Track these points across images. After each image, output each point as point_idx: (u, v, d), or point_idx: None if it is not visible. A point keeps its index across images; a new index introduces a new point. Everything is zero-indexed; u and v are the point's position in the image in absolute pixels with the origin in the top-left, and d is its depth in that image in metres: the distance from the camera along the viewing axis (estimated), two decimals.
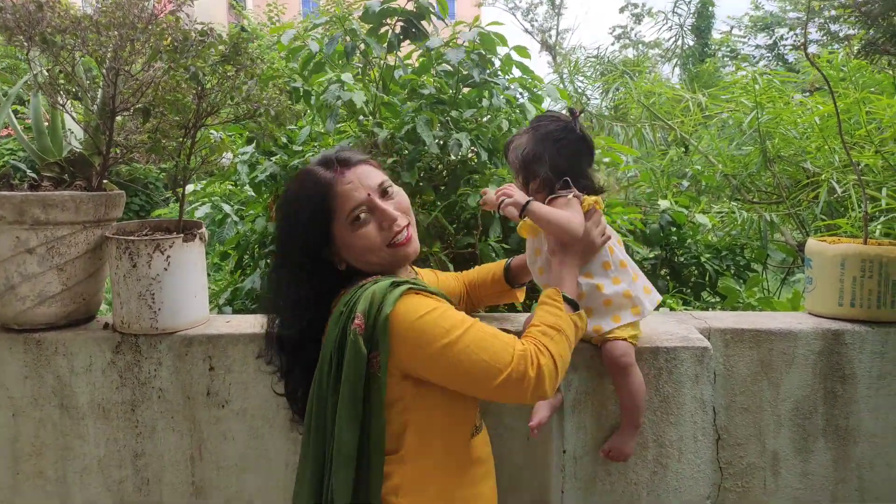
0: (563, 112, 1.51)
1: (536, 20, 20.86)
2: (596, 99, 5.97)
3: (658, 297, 1.48)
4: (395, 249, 1.32)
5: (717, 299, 2.80)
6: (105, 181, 1.76)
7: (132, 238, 1.52)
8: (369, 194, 1.30)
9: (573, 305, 1.32)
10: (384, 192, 1.34)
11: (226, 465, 1.57)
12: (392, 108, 2.41)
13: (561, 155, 1.43)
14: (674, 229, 2.81)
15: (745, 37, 15.76)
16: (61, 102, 1.75)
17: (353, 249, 1.30)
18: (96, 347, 1.55)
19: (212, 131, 2.01)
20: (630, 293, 1.43)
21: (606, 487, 1.50)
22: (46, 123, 1.85)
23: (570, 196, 1.39)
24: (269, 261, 2.17)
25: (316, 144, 2.10)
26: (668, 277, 2.79)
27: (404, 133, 2.13)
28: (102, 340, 1.55)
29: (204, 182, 2.77)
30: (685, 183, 3.28)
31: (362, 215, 1.29)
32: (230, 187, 2.79)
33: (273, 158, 1.96)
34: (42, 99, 1.87)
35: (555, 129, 1.44)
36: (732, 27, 16.26)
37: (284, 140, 2.24)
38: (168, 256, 1.52)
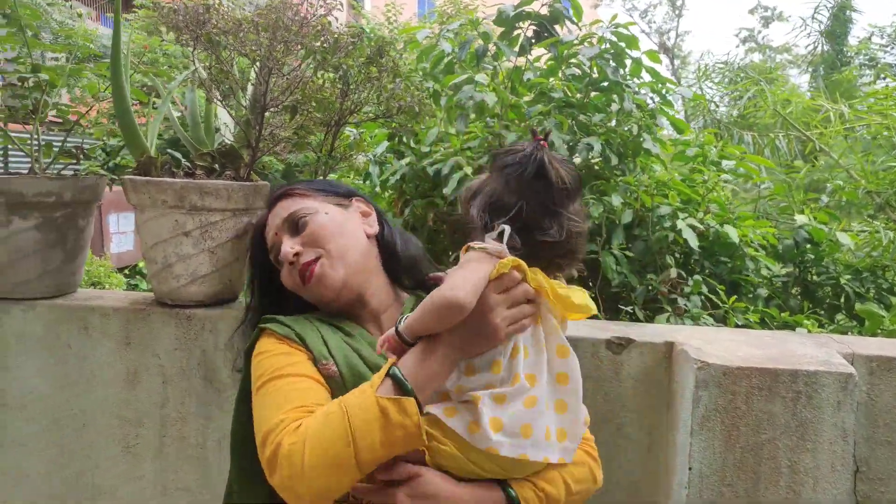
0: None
1: (654, 21, 20.29)
2: (725, 106, 5.73)
3: (572, 450, 1.07)
4: (305, 289, 1.23)
5: (854, 323, 2.62)
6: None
7: None
8: (276, 233, 1.27)
9: (401, 388, 0.98)
10: (294, 226, 1.25)
11: None
12: (518, 110, 2.42)
13: (506, 192, 1.06)
14: (809, 246, 2.66)
15: (887, 46, 14.57)
16: (218, 98, 1.88)
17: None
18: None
19: (350, 129, 2.10)
20: (501, 422, 1.01)
21: None
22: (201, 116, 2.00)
23: (478, 247, 1.04)
24: None
25: (445, 145, 2.15)
26: (799, 297, 2.64)
27: None
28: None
29: (335, 176, 2.90)
30: (824, 198, 3.08)
31: (277, 257, 1.26)
32: (356, 181, 2.90)
33: (403, 160, 2.03)
34: (198, 94, 2.03)
35: (507, 161, 1.08)
36: (872, 34, 15.08)
37: (412, 142, 2.31)
38: None
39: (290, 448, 0.96)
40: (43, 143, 1.89)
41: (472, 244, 1.06)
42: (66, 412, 1.76)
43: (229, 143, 2.01)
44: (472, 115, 2.06)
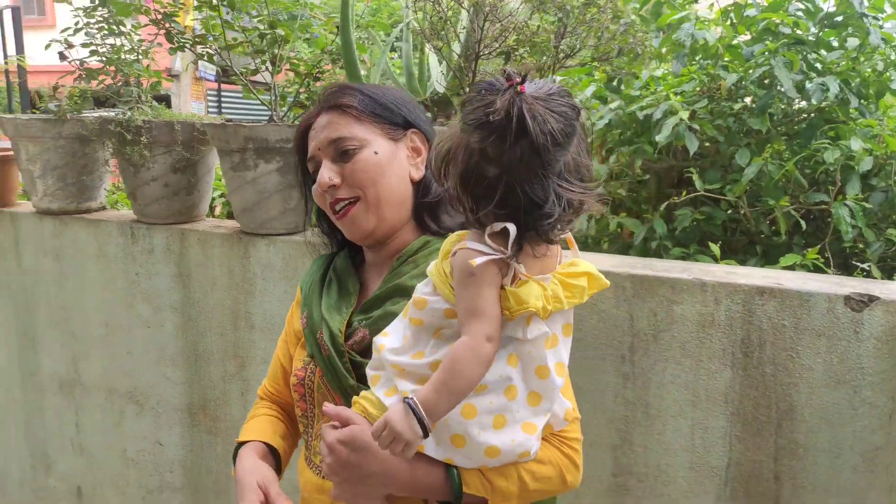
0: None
1: None
2: None
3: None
4: (334, 219, 1.18)
5: None
6: None
7: None
8: (319, 149, 1.16)
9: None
10: (342, 153, 1.14)
11: None
12: (734, 50, 2.25)
13: (483, 162, 0.84)
14: None
15: None
16: (433, 47, 1.95)
17: None
18: None
19: (554, 77, 2.08)
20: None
21: None
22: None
23: (478, 264, 0.85)
24: None
25: (657, 89, 2.06)
26: None
27: (755, 77, 1.98)
28: None
29: None
30: None
31: (313, 169, 1.19)
32: None
33: (611, 105, 1.98)
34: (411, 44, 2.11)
35: (478, 120, 0.83)
36: None
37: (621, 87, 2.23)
38: None
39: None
40: (278, 94, 2.08)
41: (468, 246, 0.88)
42: None
43: (441, 91, 2.08)
44: (690, 56, 1.94)
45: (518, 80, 0.82)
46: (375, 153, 1.13)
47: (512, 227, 0.85)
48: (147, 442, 2.32)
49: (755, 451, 1.51)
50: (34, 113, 2.18)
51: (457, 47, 1.97)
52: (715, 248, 1.76)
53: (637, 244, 1.83)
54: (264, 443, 1.26)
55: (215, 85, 13.48)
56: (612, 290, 1.56)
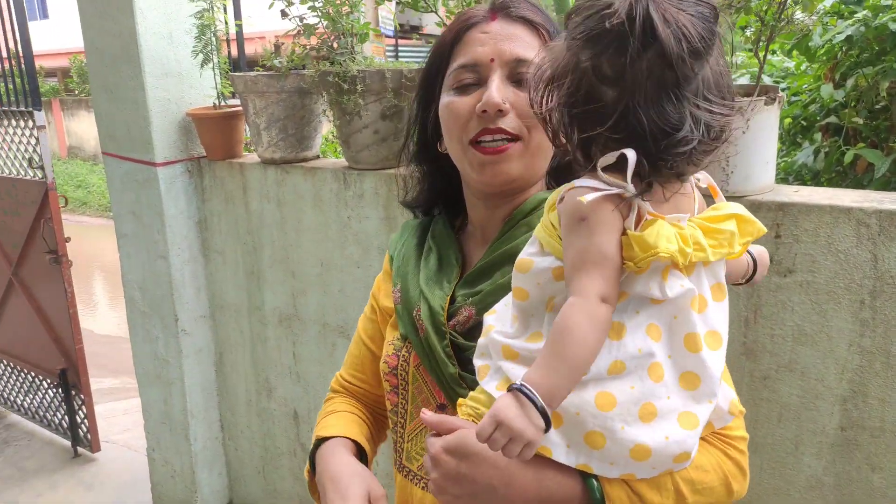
0: None
1: None
2: None
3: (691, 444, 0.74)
4: (473, 152, 0.94)
5: None
6: None
7: None
8: (492, 59, 0.92)
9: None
10: (516, 76, 0.93)
11: (781, 333, 1.57)
12: None
13: (597, 81, 0.69)
14: None
15: None
16: None
17: (442, 127, 0.99)
18: None
19: None
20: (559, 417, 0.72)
21: None
22: None
23: (588, 201, 0.68)
24: (823, 134, 2.00)
25: None
26: None
27: None
28: None
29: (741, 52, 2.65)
30: None
31: (465, 81, 0.94)
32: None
33: (857, 15, 1.74)
34: None
35: (591, 29, 0.67)
36: None
37: None
38: (748, 120, 1.52)
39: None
40: None
41: (579, 184, 0.72)
42: None
43: None
44: None
45: None
46: None
47: (631, 154, 0.68)
48: None
49: None
50: (259, 70, 2.39)
51: None
52: None
53: (877, 178, 1.64)
54: (354, 441, 1.08)
55: (392, 41, 14.04)
56: (853, 228, 1.42)
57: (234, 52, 2.85)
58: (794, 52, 2.06)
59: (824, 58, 1.87)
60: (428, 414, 0.84)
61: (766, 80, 2.44)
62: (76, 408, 3.74)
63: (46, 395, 3.97)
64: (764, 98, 1.52)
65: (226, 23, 2.53)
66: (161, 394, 3.01)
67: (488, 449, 0.71)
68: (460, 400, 0.87)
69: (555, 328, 0.70)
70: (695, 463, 0.78)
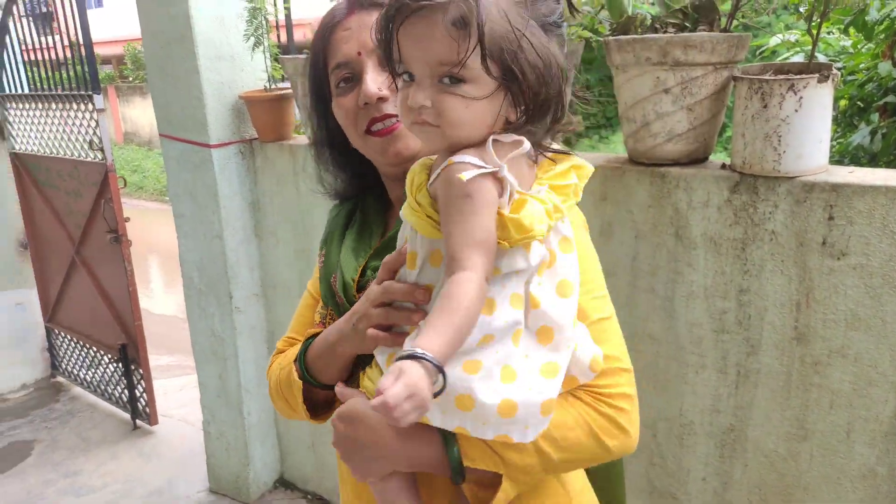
0: None
1: None
2: None
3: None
4: (370, 140, 0.98)
5: None
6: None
7: (766, 78, 1.52)
8: (359, 53, 0.97)
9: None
10: None
11: (833, 317, 1.54)
12: None
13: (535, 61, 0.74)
14: None
15: None
16: None
17: (341, 126, 1.03)
18: (714, 185, 1.65)
19: None
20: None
21: None
22: None
23: (467, 179, 0.73)
24: (879, 115, 1.94)
25: None
26: None
27: None
28: (721, 179, 1.64)
29: (795, 30, 2.59)
30: None
31: (343, 79, 0.99)
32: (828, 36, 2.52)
33: None
34: None
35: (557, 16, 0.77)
36: None
37: None
38: (801, 97, 1.48)
39: (269, 377, 1.13)
40: None
41: (458, 160, 0.75)
42: None
43: None
44: None
45: None
46: None
47: (526, 143, 0.77)
48: None
49: None
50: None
51: None
52: None
53: None
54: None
55: None
56: None
57: (283, 38, 2.90)
58: (851, 30, 1.99)
59: (882, 35, 1.80)
60: (339, 387, 0.95)
61: (822, 58, 2.36)
62: (135, 382, 3.90)
63: (107, 370, 4.15)
64: (817, 75, 1.48)
65: (275, 5, 2.57)
66: (217, 369, 3.12)
67: (368, 413, 0.84)
68: (361, 375, 0.95)
69: (448, 299, 0.72)
70: (555, 420, 0.79)
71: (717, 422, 1.76)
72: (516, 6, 0.74)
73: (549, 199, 0.77)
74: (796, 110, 1.49)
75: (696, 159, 1.74)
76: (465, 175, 0.73)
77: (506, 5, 0.73)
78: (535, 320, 0.78)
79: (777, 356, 1.63)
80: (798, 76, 1.50)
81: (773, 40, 2.11)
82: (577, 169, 0.83)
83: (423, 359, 0.67)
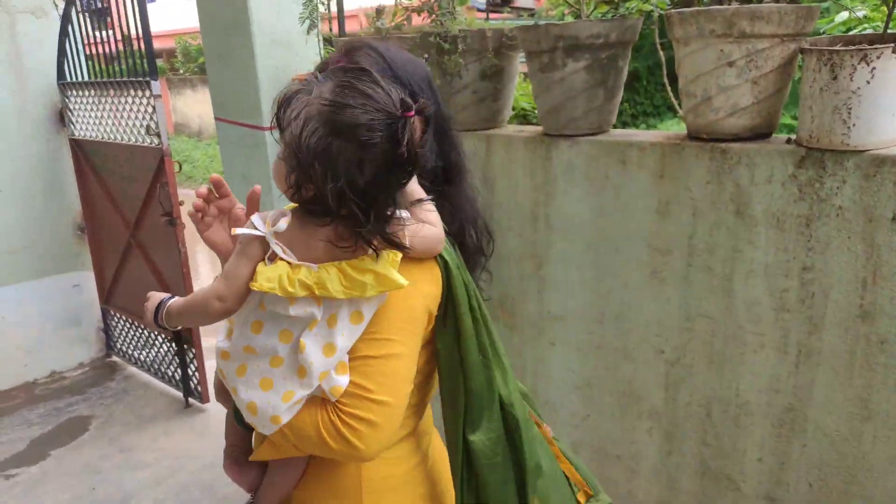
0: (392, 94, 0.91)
1: None
2: None
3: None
4: None
5: None
6: None
7: (837, 49, 1.49)
8: None
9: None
10: None
11: None
12: None
13: (362, 171, 0.90)
14: None
15: None
16: None
17: None
18: (779, 160, 1.62)
19: None
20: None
21: None
22: None
23: (238, 233, 1.02)
24: None
25: None
26: None
27: None
28: (786, 154, 1.61)
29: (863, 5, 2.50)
30: None
31: None
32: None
33: None
34: None
35: (363, 126, 0.89)
36: None
37: None
38: (873, 68, 1.44)
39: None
40: None
41: (252, 219, 1.01)
42: (601, 237, 2.01)
43: None
44: None
45: (415, 107, 0.92)
46: None
47: (283, 222, 0.97)
48: None
49: None
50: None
51: None
52: None
53: None
54: None
55: (483, 14, 13.93)
56: None
57: (335, 29, 2.93)
58: None
59: None
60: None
61: None
62: (188, 362, 4.00)
63: (161, 350, 4.27)
64: (892, 45, 1.44)
65: None
66: None
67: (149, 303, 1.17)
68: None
69: (200, 291, 1.05)
70: (299, 416, 1.04)
71: (776, 402, 1.73)
72: (330, 107, 0.89)
73: (313, 276, 0.95)
74: (868, 82, 1.45)
75: (760, 134, 1.70)
76: (236, 231, 1.00)
77: (322, 101, 0.90)
78: (299, 360, 1.00)
79: (840, 335, 1.59)
80: (871, 46, 1.45)
81: (840, 17, 2.05)
82: (378, 277, 0.97)
83: (166, 303, 1.12)
